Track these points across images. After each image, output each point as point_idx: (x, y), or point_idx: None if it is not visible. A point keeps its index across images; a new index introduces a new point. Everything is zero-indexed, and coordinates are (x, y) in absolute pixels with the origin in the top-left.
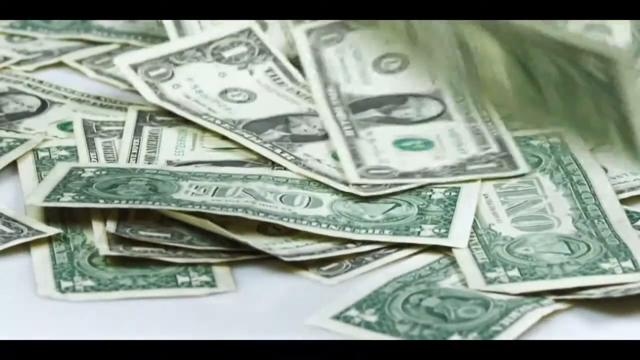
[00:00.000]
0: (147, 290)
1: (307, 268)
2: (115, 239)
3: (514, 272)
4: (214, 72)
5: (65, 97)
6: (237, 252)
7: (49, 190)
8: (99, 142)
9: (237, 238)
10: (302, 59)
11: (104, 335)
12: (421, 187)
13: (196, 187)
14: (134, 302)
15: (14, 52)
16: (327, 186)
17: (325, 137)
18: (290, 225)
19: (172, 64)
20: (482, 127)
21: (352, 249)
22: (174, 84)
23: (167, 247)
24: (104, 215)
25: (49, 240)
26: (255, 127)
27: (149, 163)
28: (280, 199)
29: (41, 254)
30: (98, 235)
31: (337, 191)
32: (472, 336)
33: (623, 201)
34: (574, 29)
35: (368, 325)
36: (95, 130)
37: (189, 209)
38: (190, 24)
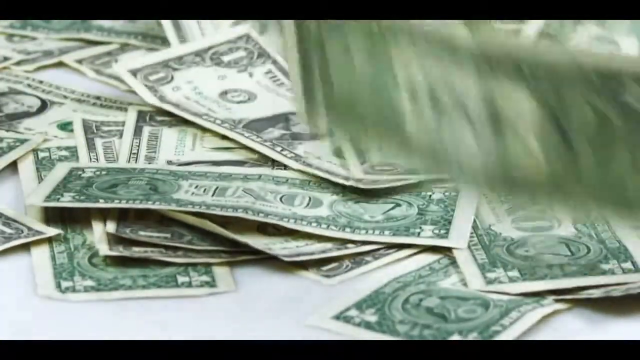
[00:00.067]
0: (147, 290)
1: (307, 268)
2: (115, 239)
3: (514, 273)
4: (213, 75)
5: (65, 97)
6: (237, 252)
7: (49, 190)
8: (99, 142)
9: (237, 238)
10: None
11: (104, 335)
12: (421, 186)
13: (196, 187)
14: (134, 302)
15: (14, 52)
16: (327, 186)
17: None
18: (290, 225)
19: (171, 68)
20: None
21: (352, 249)
22: (173, 87)
23: (167, 247)
24: (104, 215)
25: (49, 240)
26: (256, 126)
27: (149, 163)
28: (280, 199)
29: (41, 254)
30: (98, 235)
31: (337, 191)
32: (472, 336)
33: None
34: (603, 50)
35: (368, 325)
36: (95, 130)
37: (189, 209)
38: (190, 27)
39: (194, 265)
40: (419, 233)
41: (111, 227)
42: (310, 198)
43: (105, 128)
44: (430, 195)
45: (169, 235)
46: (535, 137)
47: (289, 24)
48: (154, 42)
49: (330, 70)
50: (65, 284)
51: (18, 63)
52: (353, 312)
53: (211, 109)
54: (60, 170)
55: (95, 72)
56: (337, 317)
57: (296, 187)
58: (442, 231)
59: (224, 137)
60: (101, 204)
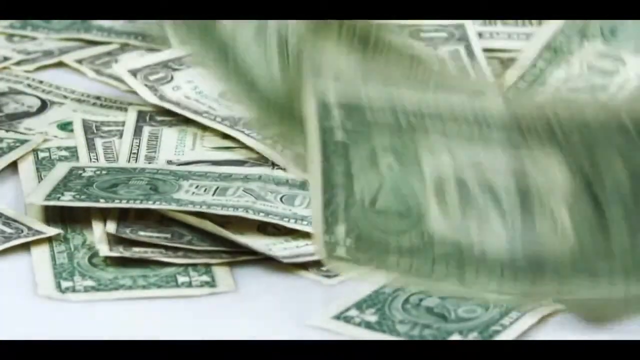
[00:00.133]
0: (147, 290)
1: (307, 268)
2: (115, 240)
3: None
4: None
5: (65, 97)
6: (237, 253)
7: (49, 190)
8: (99, 142)
9: (236, 239)
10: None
11: (104, 335)
12: None
13: (196, 187)
14: (134, 302)
15: (14, 52)
16: None
17: None
18: (291, 225)
19: (171, 68)
20: None
21: None
22: (173, 86)
23: (167, 248)
24: (104, 215)
25: (49, 240)
26: None
27: (149, 163)
28: (281, 199)
29: (41, 254)
30: (98, 235)
31: None
32: (472, 336)
33: None
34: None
35: (368, 325)
36: (95, 131)
37: (190, 208)
38: None
39: (194, 265)
40: None
41: (111, 227)
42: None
43: (105, 128)
44: None
45: (169, 236)
46: (567, 211)
47: (312, 132)
48: (154, 42)
49: (355, 185)
50: (65, 284)
51: (18, 63)
52: (353, 312)
53: (211, 107)
54: (60, 170)
55: (95, 72)
56: (337, 317)
57: (297, 187)
58: None
59: (224, 137)
60: (101, 204)
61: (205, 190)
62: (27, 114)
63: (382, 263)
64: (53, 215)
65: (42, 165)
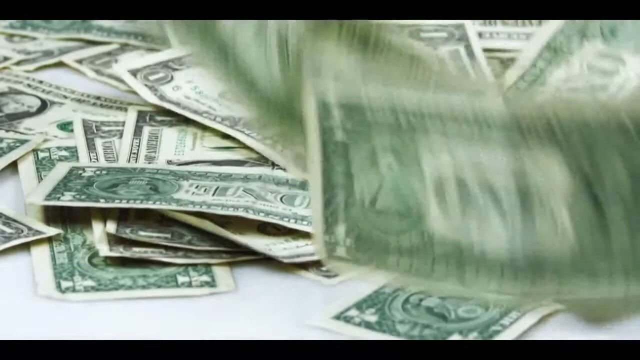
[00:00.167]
0: (147, 290)
1: (307, 268)
2: (115, 240)
3: None
4: None
5: (65, 97)
6: (237, 253)
7: (49, 189)
8: (99, 142)
9: (237, 239)
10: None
11: (104, 335)
12: None
13: (197, 187)
14: (134, 302)
15: (14, 52)
16: None
17: None
18: (291, 225)
19: (171, 68)
20: None
21: None
22: (173, 86)
23: (167, 248)
24: (104, 215)
25: (49, 240)
26: None
27: (149, 163)
28: (281, 199)
29: (41, 254)
30: (98, 235)
31: None
32: (472, 336)
33: None
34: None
35: (368, 325)
36: (95, 131)
37: (190, 208)
38: None
39: (194, 265)
40: None
41: (111, 227)
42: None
43: (105, 128)
44: None
45: (169, 236)
46: (566, 210)
47: (312, 132)
48: (154, 42)
49: (355, 185)
50: (65, 284)
51: (18, 63)
52: (353, 312)
53: (211, 107)
54: (60, 170)
55: (95, 72)
56: (337, 317)
57: (297, 187)
58: None
59: (224, 137)
60: (102, 204)
61: (205, 190)
62: (27, 114)
63: (382, 263)
64: (53, 215)
65: (42, 165)
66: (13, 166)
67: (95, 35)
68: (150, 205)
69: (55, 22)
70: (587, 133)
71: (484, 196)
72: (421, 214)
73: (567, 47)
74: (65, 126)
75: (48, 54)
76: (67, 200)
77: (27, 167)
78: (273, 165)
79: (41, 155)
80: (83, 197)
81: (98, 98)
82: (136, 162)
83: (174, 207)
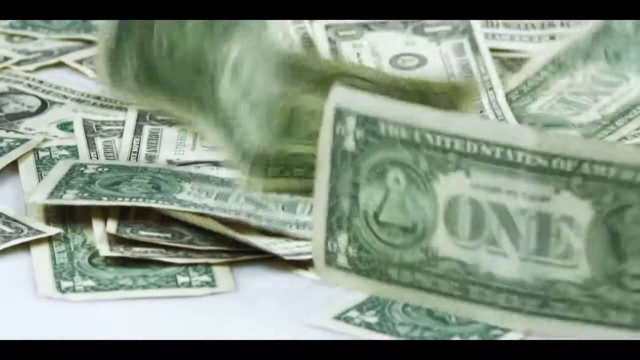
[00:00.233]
0: (147, 290)
1: (307, 268)
2: (115, 240)
3: None
4: None
5: (65, 97)
6: (237, 252)
7: (51, 188)
8: (99, 142)
9: (238, 237)
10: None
11: (104, 335)
12: None
13: (198, 190)
14: (134, 302)
15: (14, 52)
16: None
17: None
18: (293, 231)
19: None
20: None
21: None
22: None
23: (167, 248)
24: (105, 214)
25: (49, 240)
26: None
27: (150, 162)
28: (282, 207)
29: (41, 254)
30: (98, 235)
31: None
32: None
33: None
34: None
35: (369, 326)
36: (95, 130)
37: (192, 209)
38: None
39: (194, 265)
40: None
41: (111, 227)
42: (312, 205)
43: (106, 127)
44: None
45: (169, 236)
46: (583, 240)
47: (324, 138)
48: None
49: (360, 195)
50: (65, 284)
51: (18, 63)
52: (353, 314)
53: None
54: (62, 167)
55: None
56: (338, 318)
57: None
58: None
59: None
60: (104, 202)
61: (207, 194)
62: (27, 114)
63: (383, 274)
64: (53, 214)
65: (43, 165)
66: (13, 166)
67: (95, 35)
68: (153, 204)
69: (55, 22)
70: (614, 175)
71: (497, 218)
72: (427, 230)
73: (571, 64)
74: (66, 126)
75: (48, 54)
76: (69, 198)
77: (27, 167)
78: None
79: (41, 154)
80: (85, 194)
81: (98, 98)
82: (137, 160)
83: (176, 207)
